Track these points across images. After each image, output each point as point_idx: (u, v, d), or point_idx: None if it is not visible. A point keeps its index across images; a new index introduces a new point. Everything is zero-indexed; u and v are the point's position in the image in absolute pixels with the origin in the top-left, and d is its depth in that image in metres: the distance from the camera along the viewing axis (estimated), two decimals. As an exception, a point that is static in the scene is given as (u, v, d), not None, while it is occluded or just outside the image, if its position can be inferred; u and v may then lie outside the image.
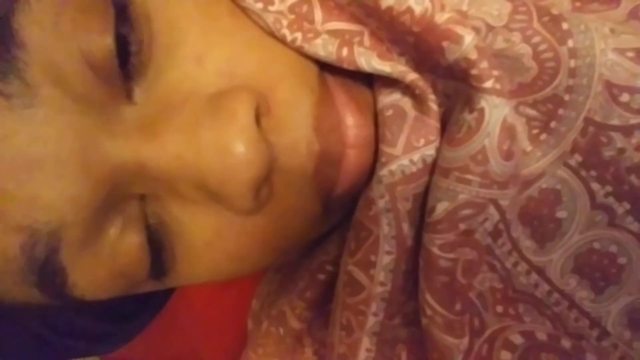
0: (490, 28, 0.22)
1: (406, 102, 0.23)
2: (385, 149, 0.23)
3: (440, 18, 0.21)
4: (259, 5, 0.23)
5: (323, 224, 0.26)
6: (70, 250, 0.20)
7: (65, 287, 0.21)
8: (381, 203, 0.23)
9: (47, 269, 0.20)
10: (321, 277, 0.29)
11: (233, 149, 0.20)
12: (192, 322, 0.36)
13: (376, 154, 0.23)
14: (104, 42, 0.19)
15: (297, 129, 0.22)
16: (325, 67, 0.24)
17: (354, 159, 0.23)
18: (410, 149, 0.22)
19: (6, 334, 0.29)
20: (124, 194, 0.21)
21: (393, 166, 0.22)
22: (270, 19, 0.23)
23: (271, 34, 0.23)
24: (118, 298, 0.24)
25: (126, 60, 0.21)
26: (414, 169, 0.22)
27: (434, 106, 0.22)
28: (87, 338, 0.33)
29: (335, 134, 0.23)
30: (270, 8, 0.23)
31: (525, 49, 0.21)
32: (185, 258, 0.23)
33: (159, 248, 0.23)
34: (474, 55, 0.20)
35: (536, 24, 0.22)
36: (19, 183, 0.19)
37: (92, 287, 0.21)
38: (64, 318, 0.31)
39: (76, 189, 0.19)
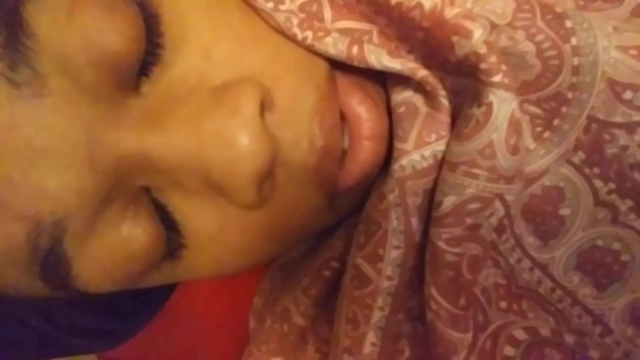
0: (494, 26, 0.22)
1: (418, 99, 0.23)
2: (397, 144, 0.23)
3: (450, 13, 0.21)
4: (270, 4, 0.23)
5: (330, 216, 0.26)
6: (74, 240, 0.20)
7: (69, 278, 0.21)
8: (391, 197, 0.23)
9: (50, 260, 0.20)
10: (326, 273, 0.29)
11: (237, 141, 0.20)
12: (193, 319, 0.36)
13: (390, 150, 0.24)
14: (131, 43, 0.19)
15: (299, 124, 0.22)
16: (338, 66, 0.24)
17: (368, 149, 0.23)
18: (422, 144, 0.22)
19: (6, 329, 0.29)
20: (128, 186, 0.21)
21: (404, 161, 0.23)
22: (281, 18, 0.23)
23: (282, 32, 0.23)
24: (119, 295, 0.24)
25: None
26: (424, 164, 0.22)
27: (444, 102, 0.23)
28: (87, 335, 0.32)
29: (339, 130, 0.23)
30: (281, 7, 0.23)
31: (529, 47, 0.22)
32: (189, 251, 0.23)
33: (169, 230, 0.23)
34: (483, 50, 0.21)
35: (540, 22, 0.22)
36: (24, 172, 0.19)
37: (96, 278, 0.21)
38: (65, 315, 0.31)
39: (81, 180, 0.19)
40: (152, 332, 0.35)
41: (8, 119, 0.18)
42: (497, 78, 0.21)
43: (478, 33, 0.21)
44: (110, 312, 0.33)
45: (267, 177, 0.21)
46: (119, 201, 0.21)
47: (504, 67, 0.21)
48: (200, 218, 0.22)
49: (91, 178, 0.19)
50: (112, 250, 0.21)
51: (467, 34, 0.21)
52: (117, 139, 0.20)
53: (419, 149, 0.22)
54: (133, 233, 0.21)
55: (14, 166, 0.18)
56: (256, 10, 0.23)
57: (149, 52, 0.21)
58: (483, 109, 0.21)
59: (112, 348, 0.36)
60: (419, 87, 0.23)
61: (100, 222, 0.21)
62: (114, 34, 0.19)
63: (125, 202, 0.21)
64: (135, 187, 0.22)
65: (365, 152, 0.23)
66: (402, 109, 0.23)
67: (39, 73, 0.18)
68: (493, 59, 0.21)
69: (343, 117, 0.24)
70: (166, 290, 0.35)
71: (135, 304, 0.34)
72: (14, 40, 0.18)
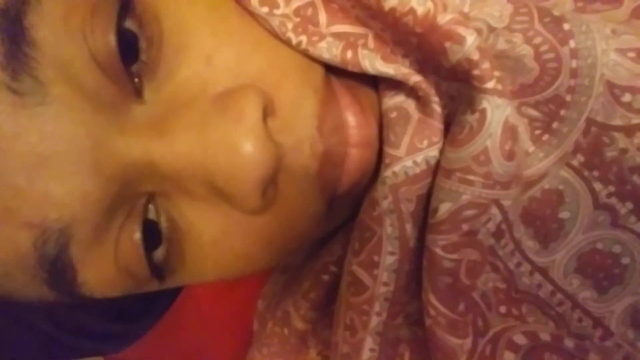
0: (491, 29, 0.22)
1: (410, 104, 0.23)
2: (388, 150, 0.23)
3: (443, 19, 0.21)
4: (265, 9, 0.23)
5: (327, 223, 0.26)
6: (80, 247, 0.20)
7: (75, 284, 0.21)
8: (385, 204, 0.23)
9: (57, 266, 0.20)
10: (325, 277, 0.29)
11: (241, 148, 0.20)
12: (198, 322, 0.36)
13: (381, 155, 0.23)
14: (107, 40, 0.20)
15: (301, 129, 0.22)
16: (331, 70, 0.24)
17: (355, 157, 0.23)
18: (414, 151, 0.22)
19: (15, 332, 0.29)
20: (133, 192, 0.21)
21: (396, 167, 0.23)
22: (275, 22, 0.23)
23: (277, 37, 0.23)
24: (125, 298, 0.24)
25: (136, 59, 0.21)
26: (417, 170, 0.23)
27: (437, 108, 0.23)
28: (94, 337, 0.33)
29: (338, 134, 0.23)
30: (276, 12, 0.23)
31: (526, 50, 0.22)
32: (193, 256, 0.23)
33: (168, 246, 0.23)
34: (475, 56, 0.21)
35: (537, 25, 0.22)
36: (30, 180, 0.19)
37: (101, 284, 0.22)
38: (72, 317, 0.31)
39: (87, 187, 0.20)
40: (158, 334, 0.36)
41: (13, 127, 0.18)
42: (490, 84, 0.20)
43: (471, 39, 0.21)
44: (117, 315, 0.33)
45: (270, 182, 0.21)
46: (124, 208, 0.21)
47: (497, 73, 0.21)
48: (204, 223, 0.23)
49: (97, 185, 0.20)
50: (118, 257, 0.22)
51: (460, 40, 0.21)
52: (123, 145, 0.20)
53: (411, 155, 0.22)
54: (138, 240, 0.22)
55: (20, 174, 0.19)
56: (252, 15, 0.23)
57: (150, 58, 0.21)
58: (477, 115, 0.21)
59: (119, 350, 0.37)
60: (412, 92, 0.23)
61: (106, 229, 0.21)
62: (105, 37, 0.19)
63: (130, 209, 0.22)
64: (141, 194, 0.22)
65: (352, 160, 0.23)
66: (393, 114, 0.23)
67: (41, 81, 0.18)
68: (486, 65, 0.21)
69: None
70: (172, 294, 0.35)
71: (142, 307, 0.34)
72: (16, 49, 0.18)
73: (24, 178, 0.19)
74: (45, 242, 0.20)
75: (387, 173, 0.23)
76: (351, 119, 0.23)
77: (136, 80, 0.21)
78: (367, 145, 0.24)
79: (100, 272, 0.21)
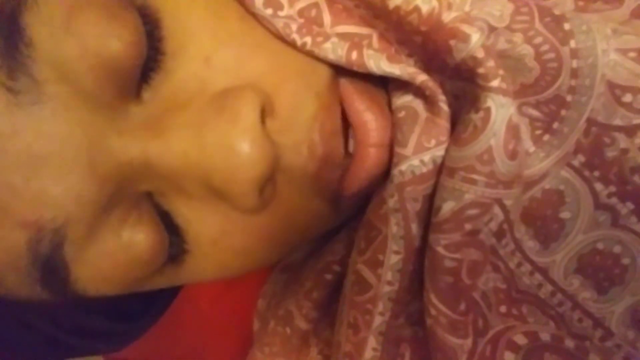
0: (492, 29, 0.22)
1: (418, 104, 0.23)
2: (396, 149, 0.23)
3: (448, 17, 0.21)
4: (269, 10, 0.23)
5: (333, 219, 0.26)
6: (74, 246, 0.20)
7: (68, 282, 0.21)
8: (391, 203, 0.23)
9: (50, 265, 0.20)
10: (328, 277, 0.29)
11: (237, 147, 0.20)
12: (197, 322, 0.36)
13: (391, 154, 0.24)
14: (129, 47, 0.20)
15: (299, 131, 0.22)
16: (343, 71, 0.24)
17: (374, 156, 0.23)
18: (421, 150, 0.22)
19: (14, 332, 0.29)
20: (130, 192, 0.21)
21: (403, 166, 0.23)
22: (280, 24, 0.23)
23: (282, 39, 0.23)
24: (123, 297, 0.24)
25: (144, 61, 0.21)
26: (424, 169, 0.22)
27: (444, 107, 0.22)
28: (92, 337, 0.33)
29: (339, 137, 0.23)
30: (280, 13, 0.23)
31: (527, 50, 0.21)
32: (192, 255, 0.23)
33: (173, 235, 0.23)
34: (480, 54, 0.21)
35: (538, 25, 0.22)
36: (25, 179, 0.19)
37: (95, 282, 0.22)
38: (70, 316, 0.31)
39: (82, 186, 0.19)
40: (157, 333, 0.36)
41: (8, 126, 0.18)
42: (494, 83, 0.20)
43: (476, 37, 0.21)
44: (116, 314, 0.33)
45: (268, 182, 0.21)
46: (121, 207, 0.21)
47: (501, 72, 0.21)
48: (202, 222, 0.23)
49: (92, 184, 0.20)
50: (113, 256, 0.21)
51: (465, 38, 0.21)
52: (119, 145, 0.20)
53: (419, 154, 0.22)
54: (134, 239, 0.22)
55: (15, 173, 0.19)
56: (256, 16, 0.23)
57: (150, 58, 0.21)
58: (481, 114, 0.21)
59: (117, 350, 0.37)
60: (419, 91, 0.23)
61: (101, 228, 0.21)
62: (111, 39, 0.19)
63: (127, 208, 0.22)
64: (138, 193, 0.22)
65: (371, 158, 0.23)
66: (402, 114, 0.23)
67: (37, 80, 0.18)
68: (491, 63, 0.21)
69: (348, 123, 0.24)
70: (171, 292, 0.35)
71: (141, 306, 0.34)
72: (12, 48, 0.18)
73: (20, 177, 0.19)
74: (39, 241, 0.19)
75: (394, 172, 0.23)
76: (372, 121, 0.23)
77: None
78: (385, 146, 0.24)
79: (94, 271, 0.21)
